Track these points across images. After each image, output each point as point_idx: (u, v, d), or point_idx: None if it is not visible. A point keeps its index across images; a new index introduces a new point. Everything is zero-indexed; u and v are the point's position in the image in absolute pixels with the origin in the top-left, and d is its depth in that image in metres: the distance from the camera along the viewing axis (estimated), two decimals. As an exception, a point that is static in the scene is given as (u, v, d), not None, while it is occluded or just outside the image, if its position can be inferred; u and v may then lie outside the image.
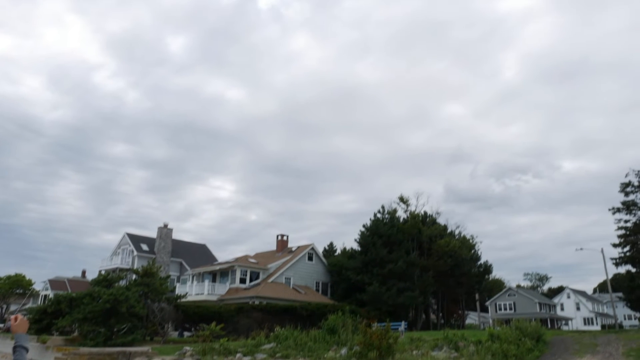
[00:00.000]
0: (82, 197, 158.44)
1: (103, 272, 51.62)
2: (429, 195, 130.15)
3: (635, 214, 50.02)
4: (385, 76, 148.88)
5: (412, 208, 53.45)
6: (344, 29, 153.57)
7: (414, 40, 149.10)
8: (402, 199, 53.68)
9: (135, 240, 60.03)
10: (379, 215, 51.58)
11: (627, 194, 50.51)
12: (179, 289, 46.15)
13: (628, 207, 50.21)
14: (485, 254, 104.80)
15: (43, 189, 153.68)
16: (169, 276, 42.53)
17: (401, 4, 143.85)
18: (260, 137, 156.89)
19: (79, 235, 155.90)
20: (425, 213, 54.00)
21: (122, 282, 35.58)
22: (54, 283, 67.70)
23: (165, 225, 59.56)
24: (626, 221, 50.29)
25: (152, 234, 61.21)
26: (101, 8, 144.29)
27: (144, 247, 59.23)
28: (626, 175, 50.77)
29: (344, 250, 55.47)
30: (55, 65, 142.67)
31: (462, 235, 53.82)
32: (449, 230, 53.78)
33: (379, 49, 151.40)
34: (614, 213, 51.37)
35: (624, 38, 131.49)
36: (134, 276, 35.12)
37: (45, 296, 64.60)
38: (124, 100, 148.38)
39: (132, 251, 58.19)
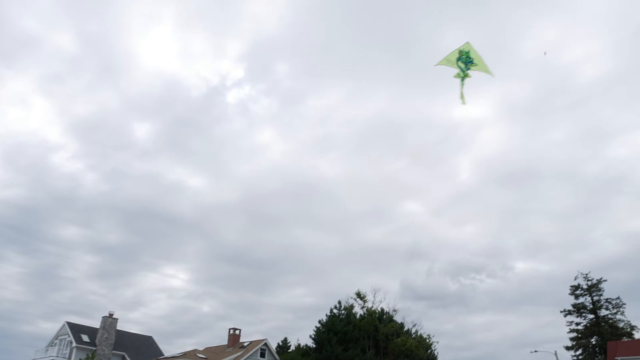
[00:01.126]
0: (23, 282, 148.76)
1: (36, 365, 47.46)
2: (386, 292, 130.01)
3: (585, 317, 51.03)
4: (346, 172, 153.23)
5: (369, 304, 52.81)
6: (307, 126, 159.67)
7: (374, 139, 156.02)
8: (359, 295, 53.08)
9: (76, 329, 56.04)
10: (335, 311, 50.56)
11: (577, 297, 51.88)
12: (119, 386, 42.70)
13: (578, 309, 51.34)
14: (442, 354, 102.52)
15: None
16: (109, 371, 39.53)
17: (363, 106, 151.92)
18: (219, 226, 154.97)
19: (14, 323, 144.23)
20: (382, 310, 53.33)
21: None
22: (-22, 376, 61.41)
23: (111, 315, 56.20)
24: (577, 324, 51.14)
25: (96, 323, 57.41)
26: (69, 91, 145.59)
27: (85, 338, 55.22)
28: (575, 278, 52.47)
29: (298, 347, 53.32)
30: (13, 144, 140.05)
31: (418, 333, 53.02)
32: (405, 329, 52.93)
33: (341, 146, 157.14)
34: (565, 315, 52.35)
35: (567, 148, 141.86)
36: (70, 370, 32.50)
37: (-34, 391, 58.23)
38: (81, 182, 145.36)
39: (71, 342, 54.06)
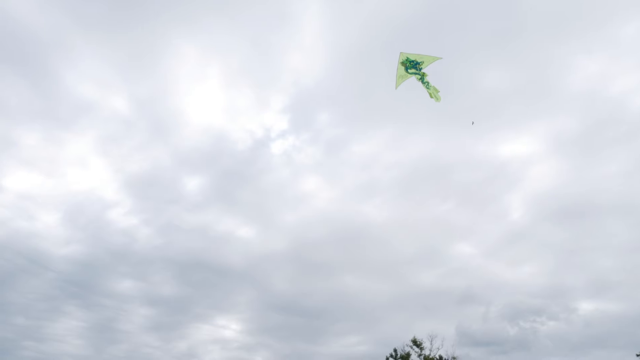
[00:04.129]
0: (82, 335, 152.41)
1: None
2: (443, 338, 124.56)
3: (666, 361, 47.06)
4: (393, 216, 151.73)
5: (426, 352, 50.59)
6: (352, 172, 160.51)
7: (419, 182, 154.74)
8: (415, 342, 51.06)
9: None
10: (391, 359, 48.74)
11: (653, 338, 47.97)
12: None
13: (657, 352, 47.43)
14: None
15: (43, 326, 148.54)
16: None
17: (406, 150, 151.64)
18: (269, 276, 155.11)
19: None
20: (441, 357, 50.89)
21: None
22: None
23: (165, 368, 56.34)
24: (657, 369, 47.14)
25: (151, 377, 57.57)
26: (123, 151, 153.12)
27: (141, 392, 55.37)
28: (650, 318, 48.68)
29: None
30: (72, 203, 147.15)
31: (481, 382, 50.18)
32: (467, 377, 50.29)
33: (386, 190, 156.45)
34: (642, 359, 48.46)
35: (623, 181, 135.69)
36: None
37: None
38: (136, 237, 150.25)
39: (128, 397, 54.29)
